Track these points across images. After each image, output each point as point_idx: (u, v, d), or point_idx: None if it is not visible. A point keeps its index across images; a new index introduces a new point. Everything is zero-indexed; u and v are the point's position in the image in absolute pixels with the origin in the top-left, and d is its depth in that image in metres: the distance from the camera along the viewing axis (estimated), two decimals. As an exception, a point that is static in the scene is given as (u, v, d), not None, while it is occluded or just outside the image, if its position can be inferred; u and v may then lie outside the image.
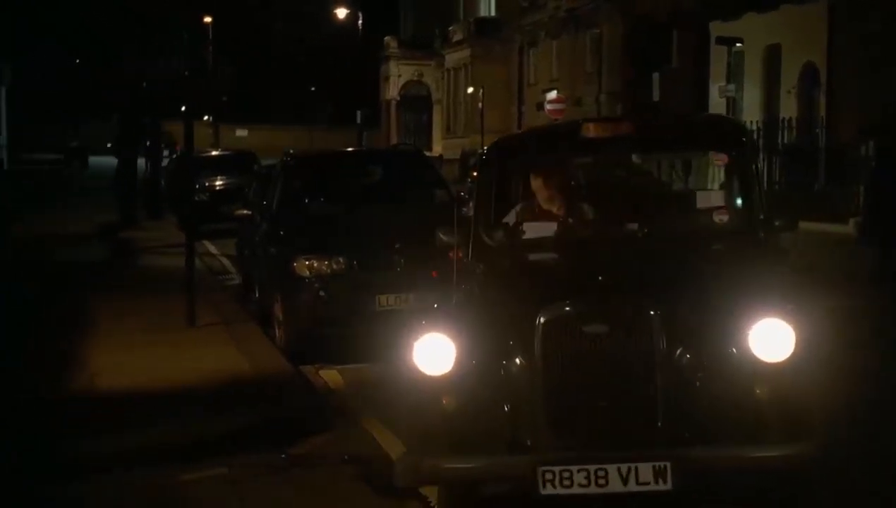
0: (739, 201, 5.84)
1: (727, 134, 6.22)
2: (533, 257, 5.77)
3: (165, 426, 6.86)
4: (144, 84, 20.94)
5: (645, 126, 6.52)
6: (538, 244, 5.79)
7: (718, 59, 29.34)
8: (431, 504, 5.52)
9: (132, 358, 8.87)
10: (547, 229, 5.87)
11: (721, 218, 5.71)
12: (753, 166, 6.02)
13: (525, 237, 5.88)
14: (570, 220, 5.95)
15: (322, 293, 9.13)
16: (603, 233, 5.85)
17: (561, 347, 4.61)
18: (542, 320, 4.61)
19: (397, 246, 9.22)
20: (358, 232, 9.64)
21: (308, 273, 9.17)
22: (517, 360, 4.69)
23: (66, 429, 6.82)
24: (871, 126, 19.61)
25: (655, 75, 33.95)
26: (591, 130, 5.87)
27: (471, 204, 20.02)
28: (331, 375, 8.75)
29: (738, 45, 28.21)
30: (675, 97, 32.40)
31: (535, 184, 6.11)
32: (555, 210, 6.02)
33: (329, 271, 9.15)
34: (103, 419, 7.01)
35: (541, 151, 6.31)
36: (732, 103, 27.84)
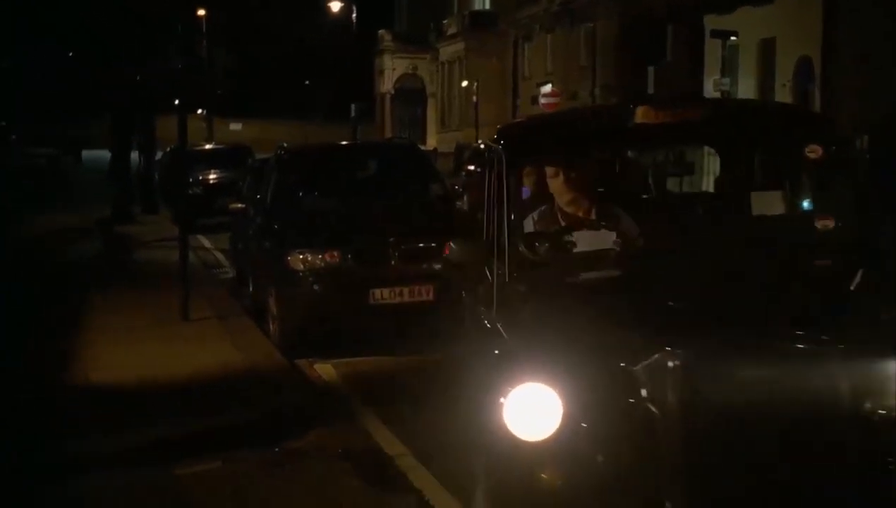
0: (816, 205, 4.95)
1: (824, 124, 5.17)
2: (603, 275, 4.56)
3: (160, 421, 6.84)
4: (138, 78, 20.92)
5: (715, 111, 5.29)
6: (597, 258, 4.59)
7: (713, 52, 29.34)
8: (426, 499, 5.51)
9: (126, 353, 8.85)
10: (600, 239, 4.69)
11: (825, 224, 4.63)
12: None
13: (577, 250, 4.64)
14: (629, 229, 4.82)
15: (316, 287, 9.11)
16: (684, 245, 4.70)
17: (709, 400, 3.40)
18: (676, 363, 3.40)
19: (391, 239, 9.20)
20: (352, 225, 9.62)
21: (302, 266, 9.15)
22: (646, 418, 3.46)
23: (61, 427, 6.79)
24: (865, 123, 19.58)
25: (650, 69, 33.93)
26: (648, 115, 4.70)
27: (464, 197, 19.83)
28: (325, 369, 8.73)
29: (732, 38, 28.20)
30: (670, 91, 32.38)
31: (556, 183, 4.98)
32: (581, 214, 4.94)
33: (323, 265, 9.13)
34: (98, 415, 6.99)
35: (580, 142, 5.07)
36: (727, 97, 27.79)
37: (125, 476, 6.00)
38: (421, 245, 9.25)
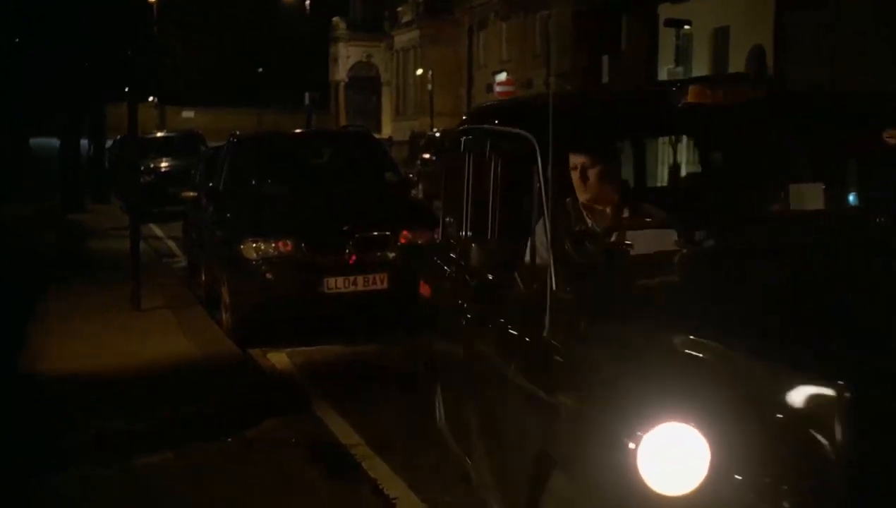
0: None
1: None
2: (686, 283, 3.87)
3: (112, 413, 6.76)
4: (87, 64, 20.63)
5: (783, 93, 4.62)
6: (662, 262, 3.89)
7: (667, 41, 29.50)
8: (381, 488, 5.49)
9: (78, 343, 8.75)
10: (658, 240, 3.96)
11: None
12: None
13: (635, 253, 3.89)
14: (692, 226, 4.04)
15: (269, 275, 9.04)
16: (756, 245, 4.02)
17: (889, 439, 2.80)
18: (846, 395, 2.78)
19: (345, 228, 9.15)
20: (305, 213, 9.56)
21: (255, 255, 9.08)
22: (813, 464, 2.84)
23: (9, 421, 6.68)
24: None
25: (605, 58, 34.08)
26: (702, 95, 4.14)
27: (420, 186, 19.57)
28: (279, 358, 8.68)
29: (686, 27, 28.37)
30: (625, 79, 32.55)
31: (579, 175, 4.30)
32: (609, 211, 4.32)
33: (276, 253, 9.06)
34: (48, 408, 6.89)
35: (628, 126, 4.47)
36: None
37: (77, 469, 5.91)
38: (375, 233, 9.22)
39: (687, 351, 3.17)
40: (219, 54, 76.36)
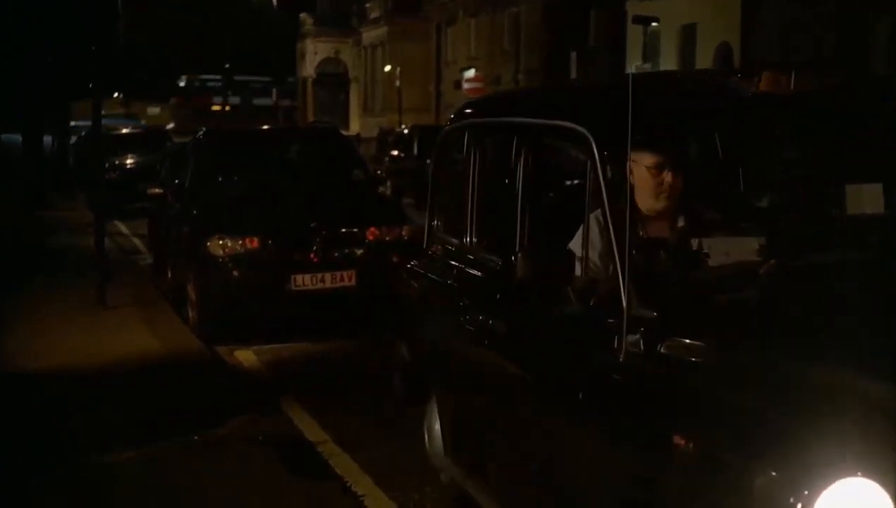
0: None
1: None
2: (791, 298, 3.35)
3: (76, 411, 6.70)
4: (50, 60, 20.44)
5: (861, 80, 4.20)
6: (744, 274, 3.40)
7: (634, 38, 29.64)
8: (348, 485, 5.47)
9: (42, 341, 8.67)
10: (737, 249, 3.48)
11: None
12: None
13: (712, 263, 3.44)
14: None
15: (236, 273, 8.99)
16: (848, 255, 3.58)
17: None
18: None
19: (313, 225, 9.11)
20: (272, 211, 9.50)
21: (222, 252, 9.02)
22: None
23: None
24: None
25: (573, 54, 34.17)
26: (779, 83, 3.69)
27: (388, 183, 19.42)
28: (246, 356, 8.63)
29: (653, 24, 28.50)
30: (593, 76, 32.66)
31: (643, 174, 3.67)
32: (665, 217, 3.74)
33: (243, 250, 9.01)
34: (9, 407, 6.81)
35: (701, 118, 3.90)
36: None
37: (41, 466, 5.85)
38: (343, 230, 9.19)
39: (844, 387, 2.73)
40: (186, 50, 75.92)
